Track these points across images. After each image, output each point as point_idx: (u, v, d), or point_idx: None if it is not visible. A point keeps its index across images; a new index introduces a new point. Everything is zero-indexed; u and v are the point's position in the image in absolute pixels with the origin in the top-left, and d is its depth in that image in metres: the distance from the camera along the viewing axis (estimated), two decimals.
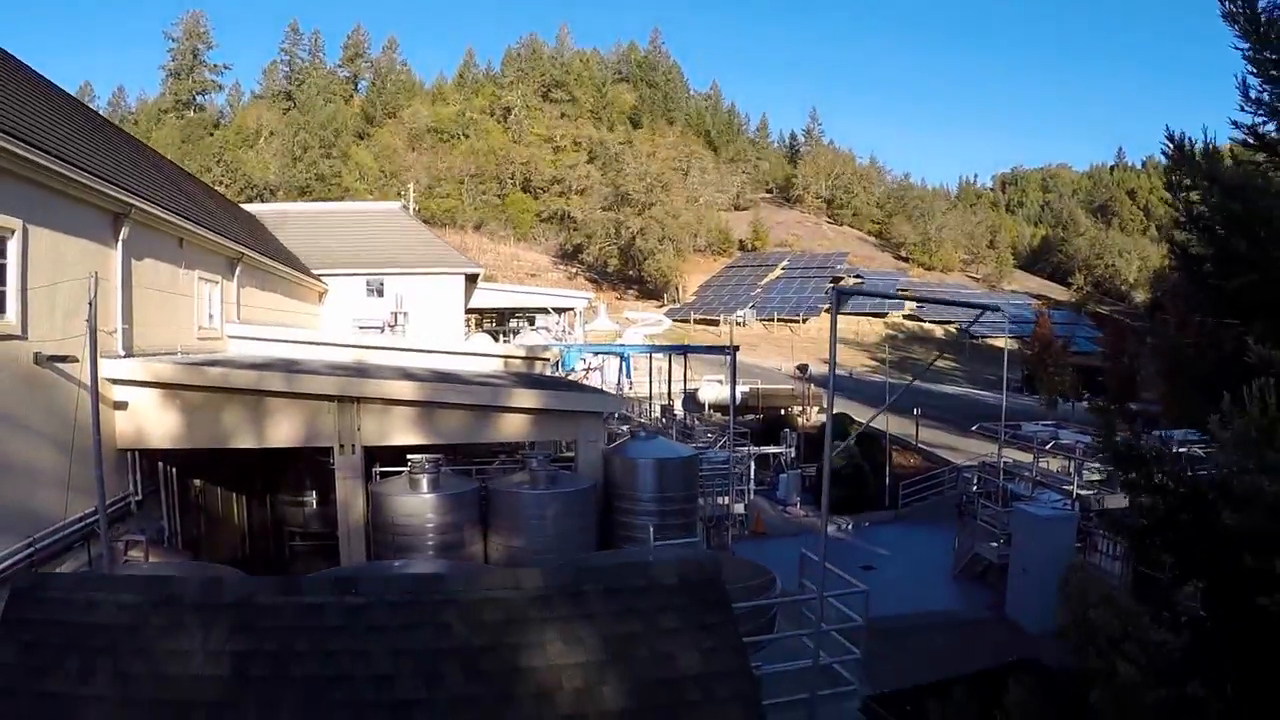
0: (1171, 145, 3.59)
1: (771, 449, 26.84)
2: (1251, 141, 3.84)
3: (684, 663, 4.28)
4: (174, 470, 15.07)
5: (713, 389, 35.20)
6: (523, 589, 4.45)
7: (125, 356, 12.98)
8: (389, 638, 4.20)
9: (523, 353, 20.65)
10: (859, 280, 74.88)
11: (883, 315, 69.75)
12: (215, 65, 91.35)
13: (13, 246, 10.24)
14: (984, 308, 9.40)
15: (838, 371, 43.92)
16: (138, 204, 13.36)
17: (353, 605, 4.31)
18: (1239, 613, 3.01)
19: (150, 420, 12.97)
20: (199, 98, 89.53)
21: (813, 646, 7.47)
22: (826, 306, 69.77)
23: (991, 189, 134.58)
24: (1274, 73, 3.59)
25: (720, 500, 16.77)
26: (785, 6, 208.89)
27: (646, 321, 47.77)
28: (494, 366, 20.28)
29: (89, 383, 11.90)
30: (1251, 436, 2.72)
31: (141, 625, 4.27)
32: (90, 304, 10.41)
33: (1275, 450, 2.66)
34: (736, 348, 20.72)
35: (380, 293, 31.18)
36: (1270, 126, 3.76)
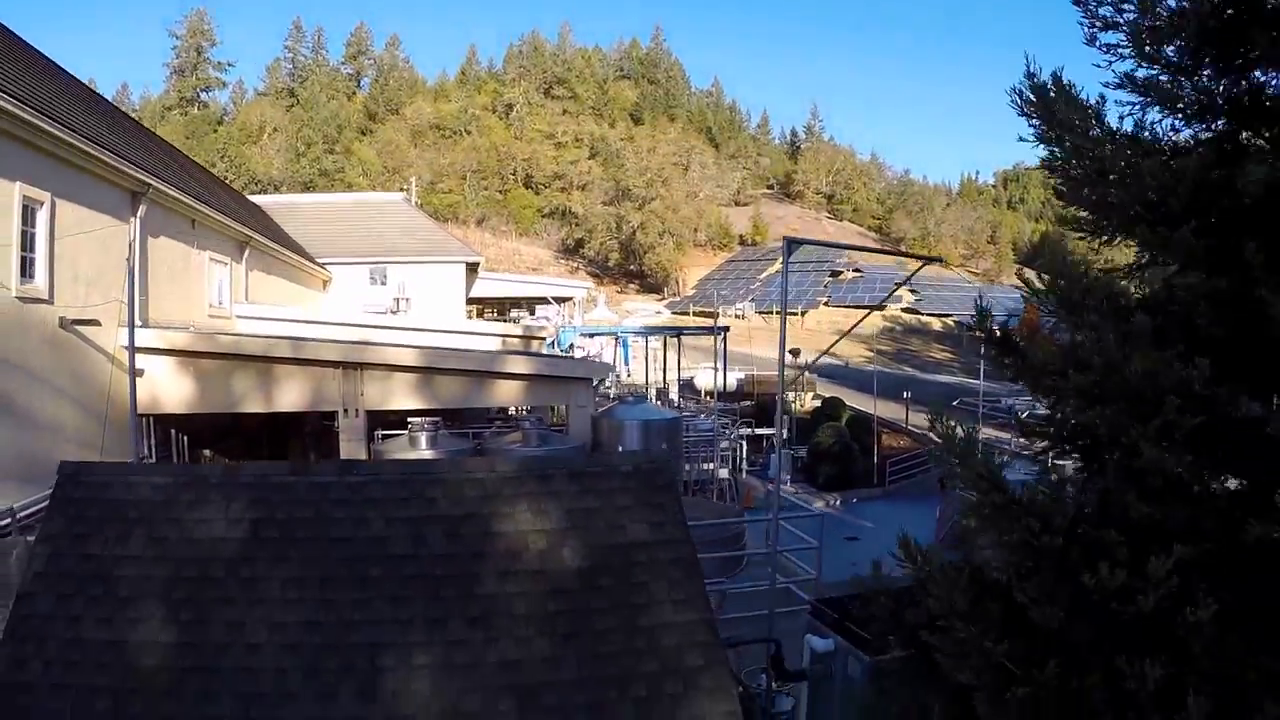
0: (1029, 79, 4.26)
1: (763, 430, 27.53)
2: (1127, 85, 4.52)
3: (634, 532, 5.01)
4: (185, 439, 15.85)
5: (708, 376, 35.86)
6: (498, 472, 5.19)
7: (142, 326, 13.76)
8: (383, 509, 4.95)
9: (520, 331, 21.41)
10: (858, 274, 75.47)
11: (881, 308, 70.37)
12: (219, 63, 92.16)
13: (42, 217, 11.02)
14: (927, 260, 10.06)
15: (834, 362, 43.97)
16: (155, 184, 14.14)
17: (353, 483, 5.05)
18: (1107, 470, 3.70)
19: (165, 387, 13.73)
20: (202, 95, 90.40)
21: (771, 571, 8.19)
22: (825, 299, 70.49)
23: (993, 186, 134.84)
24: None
25: (705, 466, 17.56)
26: (787, 3, 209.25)
27: (644, 313, 48.50)
28: (492, 346, 21.04)
29: (112, 348, 12.73)
30: (1109, 309, 3.35)
31: (172, 500, 5.02)
32: (128, 258, 11.15)
33: (1128, 321, 3.31)
34: (726, 328, 21.48)
35: (383, 281, 31.98)
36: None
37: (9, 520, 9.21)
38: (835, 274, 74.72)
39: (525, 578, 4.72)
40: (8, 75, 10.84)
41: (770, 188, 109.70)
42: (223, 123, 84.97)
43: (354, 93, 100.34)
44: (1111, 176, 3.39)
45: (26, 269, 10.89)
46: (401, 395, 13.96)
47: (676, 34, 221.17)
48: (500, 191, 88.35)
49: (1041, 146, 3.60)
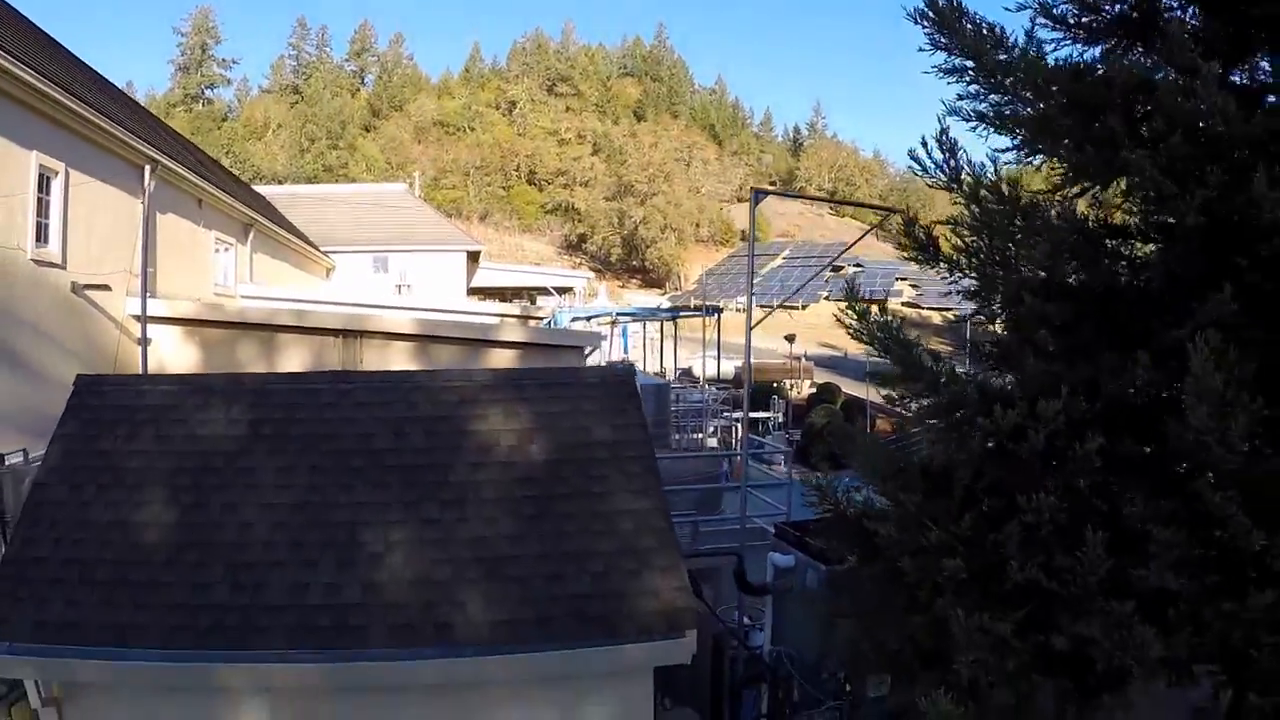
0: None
1: (760, 414, 28.05)
2: (1044, 20, 4.94)
3: (598, 433, 5.48)
4: None
5: (706, 365, 36.30)
6: (475, 380, 5.67)
7: (150, 297, 14.26)
8: (369, 410, 5.43)
9: (517, 310, 21.91)
10: (859, 269, 75.83)
11: (882, 303, 70.76)
12: (223, 60, 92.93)
13: (56, 185, 11.55)
14: (889, 210, 10.53)
15: (833, 352, 44.22)
16: (163, 160, 14.66)
17: (343, 389, 5.54)
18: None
19: (171, 355, 14.22)
20: (207, 92, 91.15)
21: (741, 502, 8.64)
22: (826, 294, 70.66)
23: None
24: None
25: (695, 436, 18.07)
26: (790, 1, 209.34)
27: (645, 306, 49.01)
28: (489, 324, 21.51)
29: (120, 316, 13.26)
30: (999, 193, 3.80)
31: (179, 405, 5.51)
32: (144, 216, 11.61)
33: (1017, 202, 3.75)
34: (720, 309, 21.94)
35: (385, 269, 32.54)
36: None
37: (23, 464, 9.71)
38: (836, 269, 75.01)
39: (495, 468, 5.19)
40: (25, 52, 11.36)
41: (773, 184, 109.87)
42: (227, 119, 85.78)
43: (358, 89, 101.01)
44: (999, 76, 3.84)
45: (42, 234, 11.40)
46: (399, 363, 14.39)
47: (680, 32, 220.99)
48: (503, 188, 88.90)
49: (937, 53, 4.05)
